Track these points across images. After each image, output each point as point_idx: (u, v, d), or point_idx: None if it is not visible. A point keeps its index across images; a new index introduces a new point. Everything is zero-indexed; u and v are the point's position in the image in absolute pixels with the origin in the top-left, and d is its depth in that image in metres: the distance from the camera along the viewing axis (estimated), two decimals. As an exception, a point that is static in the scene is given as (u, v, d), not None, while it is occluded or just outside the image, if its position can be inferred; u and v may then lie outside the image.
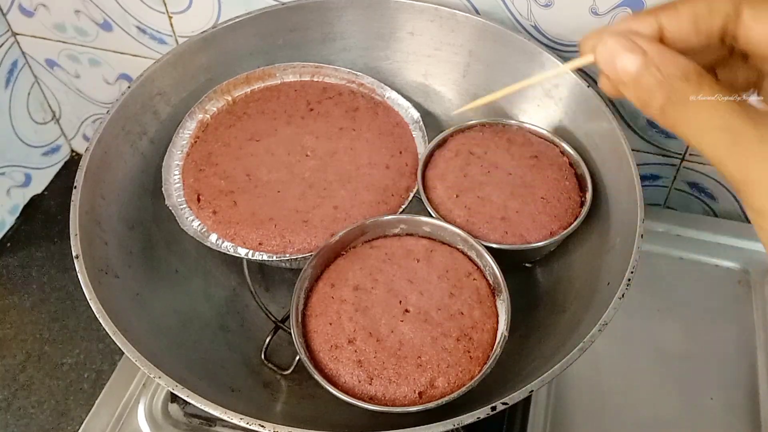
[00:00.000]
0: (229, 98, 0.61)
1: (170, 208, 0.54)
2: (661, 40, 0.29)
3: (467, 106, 0.41)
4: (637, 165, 0.50)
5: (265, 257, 0.52)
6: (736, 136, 0.26)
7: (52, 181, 0.89)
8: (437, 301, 0.48)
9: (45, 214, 0.86)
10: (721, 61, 0.31)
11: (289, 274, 0.62)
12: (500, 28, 0.58)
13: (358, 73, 0.62)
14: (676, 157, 0.67)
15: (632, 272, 0.45)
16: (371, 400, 0.45)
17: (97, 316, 0.45)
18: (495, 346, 0.47)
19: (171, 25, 0.72)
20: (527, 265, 0.59)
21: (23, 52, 0.80)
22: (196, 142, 0.59)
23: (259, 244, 0.53)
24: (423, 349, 0.46)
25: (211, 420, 0.59)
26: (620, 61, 0.28)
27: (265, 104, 0.61)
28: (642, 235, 0.47)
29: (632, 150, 0.51)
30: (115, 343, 0.43)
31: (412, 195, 0.55)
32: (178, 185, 0.56)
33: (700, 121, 0.27)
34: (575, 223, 0.53)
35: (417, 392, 0.45)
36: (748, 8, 0.28)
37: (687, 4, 0.29)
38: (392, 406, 0.45)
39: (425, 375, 0.45)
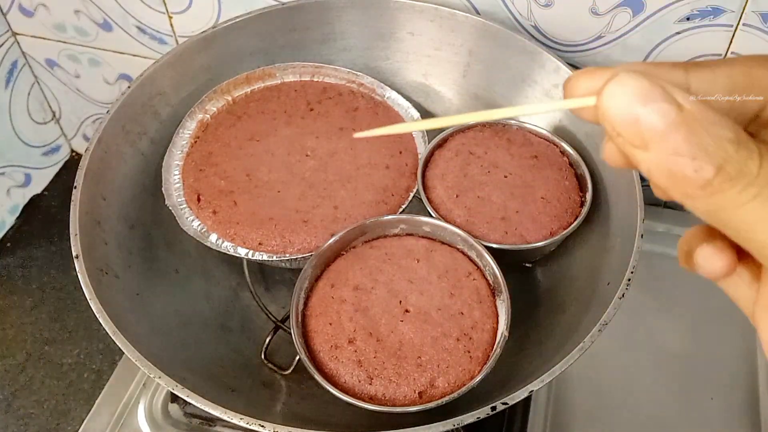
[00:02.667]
0: (229, 98, 0.61)
1: (170, 208, 0.54)
2: None
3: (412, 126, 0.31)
4: (637, 165, 0.50)
5: (265, 257, 0.52)
6: None
7: (52, 181, 0.89)
8: (437, 301, 0.48)
9: (45, 214, 0.86)
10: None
11: (289, 274, 0.62)
12: (500, 28, 0.58)
13: (358, 73, 0.62)
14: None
15: (632, 272, 0.45)
16: (371, 400, 0.45)
17: (97, 316, 0.45)
18: (495, 346, 0.47)
19: (171, 25, 0.72)
20: (527, 265, 0.59)
21: (23, 52, 0.80)
22: (196, 142, 0.59)
23: (259, 244, 0.53)
24: (423, 349, 0.46)
25: (211, 420, 0.59)
26: (644, 113, 0.19)
27: (265, 104, 0.61)
28: (642, 235, 0.47)
29: (632, 150, 0.51)
30: (115, 343, 0.43)
31: (412, 195, 0.55)
32: (178, 185, 0.56)
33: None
34: (575, 223, 0.53)
35: (417, 392, 0.45)
36: None
37: (723, 67, 0.23)
38: (392, 406, 0.45)
39: (425, 375, 0.45)
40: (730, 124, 0.20)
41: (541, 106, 0.26)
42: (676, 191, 0.20)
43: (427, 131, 0.59)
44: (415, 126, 0.26)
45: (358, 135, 0.26)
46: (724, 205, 0.20)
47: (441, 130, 0.58)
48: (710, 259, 0.23)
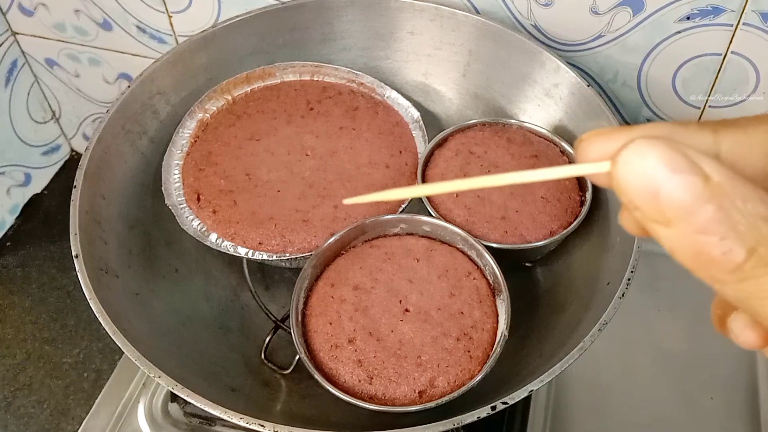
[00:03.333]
0: (229, 97, 0.61)
1: (170, 207, 0.54)
2: None
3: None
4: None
5: (265, 257, 0.52)
6: None
7: (52, 181, 0.89)
8: (437, 300, 0.48)
9: (45, 214, 0.86)
10: None
11: (289, 274, 0.62)
12: (500, 28, 0.58)
13: (358, 73, 0.62)
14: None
15: (632, 272, 0.45)
16: (371, 399, 0.45)
17: (97, 315, 0.45)
18: (495, 346, 0.47)
19: (171, 24, 0.72)
20: (527, 264, 0.59)
21: (23, 52, 0.80)
22: (196, 141, 0.59)
23: (259, 243, 0.53)
24: (423, 348, 0.46)
25: (211, 420, 0.59)
26: (665, 185, 0.17)
27: (265, 104, 0.61)
28: (642, 235, 0.47)
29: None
30: (115, 343, 0.43)
31: (412, 195, 0.55)
32: (177, 185, 0.56)
33: None
34: (575, 222, 0.53)
35: (417, 392, 0.45)
36: None
37: (758, 126, 0.20)
38: (392, 405, 0.45)
39: (425, 374, 0.45)
40: (766, 199, 0.17)
41: (546, 172, 0.21)
42: (702, 273, 0.18)
43: (427, 131, 0.59)
44: (407, 193, 0.23)
45: (347, 201, 0.24)
46: (756, 293, 0.17)
47: (441, 130, 0.58)
48: (745, 331, 0.21)
